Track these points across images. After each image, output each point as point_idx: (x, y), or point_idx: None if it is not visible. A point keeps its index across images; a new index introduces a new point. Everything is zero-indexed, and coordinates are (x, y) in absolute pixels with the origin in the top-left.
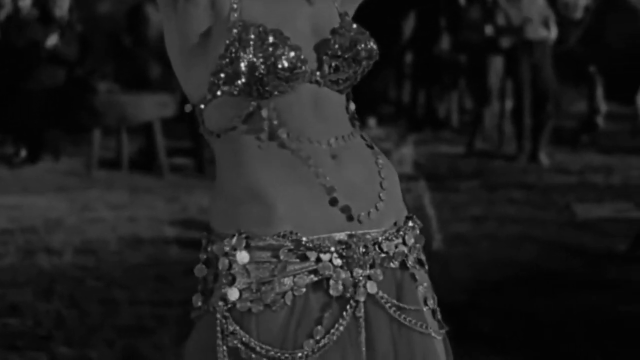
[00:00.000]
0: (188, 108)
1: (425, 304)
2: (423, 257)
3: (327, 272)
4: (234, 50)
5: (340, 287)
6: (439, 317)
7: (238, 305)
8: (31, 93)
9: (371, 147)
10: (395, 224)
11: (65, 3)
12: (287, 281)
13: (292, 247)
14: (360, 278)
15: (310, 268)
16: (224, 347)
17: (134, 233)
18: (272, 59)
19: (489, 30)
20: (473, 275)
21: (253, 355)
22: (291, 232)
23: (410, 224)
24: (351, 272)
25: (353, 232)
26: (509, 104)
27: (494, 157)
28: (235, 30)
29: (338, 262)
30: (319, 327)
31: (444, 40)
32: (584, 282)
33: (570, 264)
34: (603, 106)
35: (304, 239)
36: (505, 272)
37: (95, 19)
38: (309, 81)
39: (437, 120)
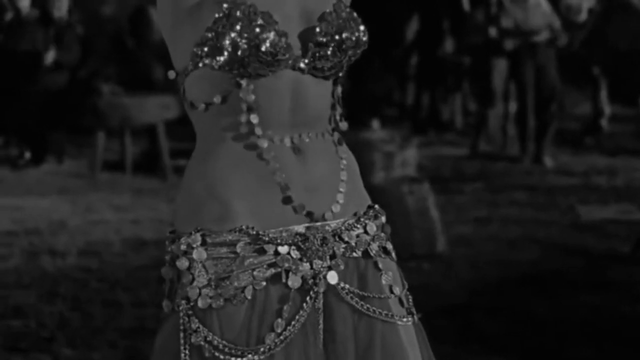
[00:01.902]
0: (171, 75)
1: (391, 291)
2: (389, 246)
3: (286, 265)
4: (221, 25)
5: (300, 279)
6: (409, 304)
7: (199, 303)
8: (35, 95)
9: (338, 144)
10: (355, 214)
11: (64, 4)
12: (246, 275)
13: (249, 241)
14: (321, 269)
15: (269, 261)
16: (187, 346)
17: (137, 235)
18: (256, 41)
19: (492, 32)
20: (476, 276)
21: (216, 354)
22: (247, 227)
23: (372, 212)
24: (311, 264)
25: (311, 224)
26: (512, 106)
27: (497, 159)
28: (225, 6)
29: (296, 254)
30: (280, 320)
31: (448, 42)
32: (587, 283)
33: (573, 265)
34: (607, 108)
35: (261, 232)
36: (509, 274)
37: (98, 21)
38: (292, 68)
39: (441, 123)
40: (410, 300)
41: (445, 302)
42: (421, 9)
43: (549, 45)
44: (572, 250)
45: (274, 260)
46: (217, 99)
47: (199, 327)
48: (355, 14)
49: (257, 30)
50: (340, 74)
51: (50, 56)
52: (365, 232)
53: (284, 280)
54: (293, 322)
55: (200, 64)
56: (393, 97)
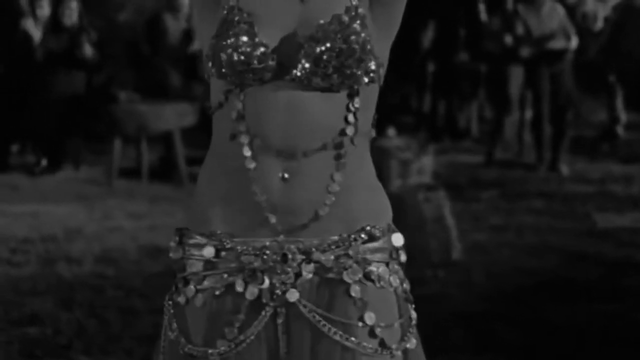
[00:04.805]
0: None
1: (362, 320)
2: (375, 269)
3: (246, 275)
4: (220, 33)
5: (256, 291)
6: (385, 335)
7: (173, 299)
8: (51, 102)
9: (339, 158)
10: (340, 235)
11: (74, 13)
12: (210, 279)
13: (216, 246)
14: (279, 285)
15: (231, 269)
16: (166, 340)
17: (153, 242)
18: (230, 50)
19: (508, 39)
20: (493, 284)
21: (181, 352)
22: (216, 232)
23: (364, 235)
24: (270, 279)
25: (279, 239)
26: (528, 114)
27: (513, 167)
28: (224, 13)
29: (259, 266)
30: (233, 329)
31: (464, 50)
32: (603, 291)
33: (589, 273)
34: (623, 115)
35: (228, 240)
36: (525, 282)
37: (114, 28)
38: (282, 79)
39: (457, 130)
40: (388, 330)
41: (461, 309)
42: (437, 16)
43: (565, 53)
44: (589, 258)
45: (235, 268)
46: (218, 103)
47: (173, 323)
48: (355, 24)
49: (233, 39)
50: (356, 86)
51: (88, 50)
52: (347, 255)
53: (241, 290)
54: (247, 332)
55: (210, 70)
56: (409, 104)
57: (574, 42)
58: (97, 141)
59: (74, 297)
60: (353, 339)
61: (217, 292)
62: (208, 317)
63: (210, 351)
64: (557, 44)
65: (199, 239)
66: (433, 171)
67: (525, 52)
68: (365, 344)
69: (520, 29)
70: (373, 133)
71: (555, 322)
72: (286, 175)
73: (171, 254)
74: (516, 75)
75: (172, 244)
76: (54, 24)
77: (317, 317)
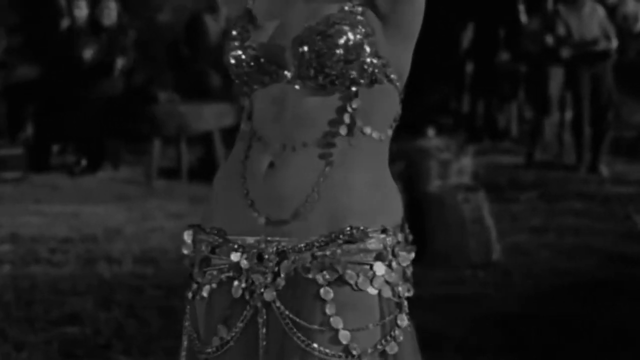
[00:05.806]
0: None
1: (328, 324)
2: (354, 272)
3: (233, 273)
4: (227, 36)
5: (240, 290)
6: (354, 340)
7: (186, 295)
8: (92, 102)
9: (329, 157)
10: (320, 235)
11: (113, 12)
12: (207, 275)
13: (214, 243)
14: (258, 284)
15: (221, 266)
16: (185, 335)
17: None
18: (226, 54)
19: (549, 40)
20: (532, 285)
21: (195, 348)
22: (212, 229)
23: (345, 236)
24: (251, 277)
25: (260, 238)
26: (568, 114)
27: (553, 168)
28: (237, 16)
29: (245, 264)
30: (223, 326)
31: (503, 50)
32: None
33: (630, 274)
34: None
35: (221, 237)
36: (564, 283)
37: (155, 29)
38: (277, 81)
39: (497, 131)
40: (376, 335)
41: (500, 310)
42: (476, 17)
43: (605, 54)
44: (628, 259)
45: (227, 265)
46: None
47: (187, 318)
48: (343, 24)
49: (230, 43)
50: (354, 88)
51: (119, 64)
52: (325, 255)
53: (228, 287)
54: (235, 330)
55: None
56: (448, 105)
57: (615, 43)
58: (136, 141)
59: (114, 297)
60: (315, 344)
61: (214, 286)
62: (206, 313)
63: (207, 349)
64: (598, 46)
65: (202, 236)
66: (472, 172)
67: (565, 52)
68: (327, 350)
69: (561, 30)
70: (383, 136)
71: (594, 324)
72: (275, 162)
73: (184, 250)
74: (556, 76)
75: (186, 239)
76: (92, 25)
77: (286, 320)
